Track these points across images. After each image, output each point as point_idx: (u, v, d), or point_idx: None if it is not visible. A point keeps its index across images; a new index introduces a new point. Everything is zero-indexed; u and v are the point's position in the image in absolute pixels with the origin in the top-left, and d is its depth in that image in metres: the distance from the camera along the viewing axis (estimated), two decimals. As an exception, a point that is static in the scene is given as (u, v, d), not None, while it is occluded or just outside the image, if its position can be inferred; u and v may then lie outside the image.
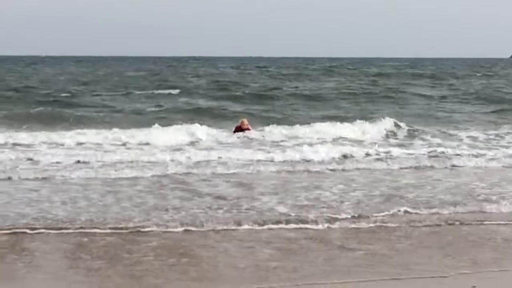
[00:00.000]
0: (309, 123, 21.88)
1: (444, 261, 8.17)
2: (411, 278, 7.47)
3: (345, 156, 16.18)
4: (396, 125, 22.36)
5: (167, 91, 39.02)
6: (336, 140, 19.41)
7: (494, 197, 11.86)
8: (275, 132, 20.01)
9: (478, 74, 71.74)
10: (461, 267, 7.88)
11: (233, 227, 9.55)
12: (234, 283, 7.25)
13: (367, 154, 16.53)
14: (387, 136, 21.07)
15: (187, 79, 53.54)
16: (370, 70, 77.23)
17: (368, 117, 24.27)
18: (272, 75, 63.05)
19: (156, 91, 38.74)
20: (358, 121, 22.22)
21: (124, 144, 17.67)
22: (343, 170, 14.72)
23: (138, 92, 37.57)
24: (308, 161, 15.52)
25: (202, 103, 32.67)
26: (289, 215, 10.32)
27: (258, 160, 15.29)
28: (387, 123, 22.28)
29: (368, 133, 20.75)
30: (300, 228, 9.60)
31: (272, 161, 15.37)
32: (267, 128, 20.37)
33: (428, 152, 17.11)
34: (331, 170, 14.71)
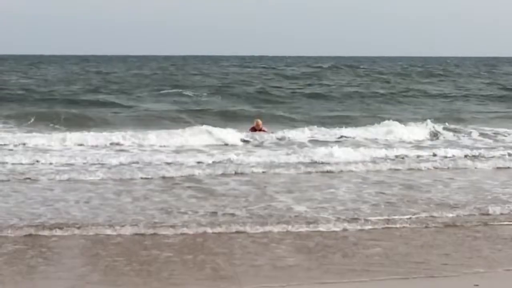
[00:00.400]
0: (324, 123, 21.85)
1: (455, 260, 8.25)
2: (420, 278, 7.56)
3: (365, 157, 16.06)
4: (417, 125, 21.86)
5: (173, 90, 39.07)
6: (356, 141, 19.33)
7: (504, 197, 11.92)
8: (291, 133, 19.93)
9: (483, 72, 71.67)
10: (471, 266, 7.97)
11: (250, 226, 9.62)
12: (250, 281, 7.33)
13: (388, 156, 16.52)
14: (408, 136, 20.71)
15: (192, 79, 53.55)
16: (377, 69, 77.16)
17: (381, 117, 24.21)
18: (277, 73, 63.02)
19: (163, 91, 38.77)
20: (386, 121, 22.10)
21: (139, 145, 17.65)
22: (362, 171, 14.71)
23: (145, 93, 37.62)
24: (325, 162, 15.44)
25: (211, 102, 32.73)
26: (306, 215, 10.42)
27: (276, 161, 15.35)
28: (419, 124, 21.87)
29: (390, 133, 20.51)
30: (317, 228, 9.68)
31: (290, 162, 15.37)
32: (280, 131, 20.11)
33: (444, 153, 17.03)
34: (350, 171, 14.69)
